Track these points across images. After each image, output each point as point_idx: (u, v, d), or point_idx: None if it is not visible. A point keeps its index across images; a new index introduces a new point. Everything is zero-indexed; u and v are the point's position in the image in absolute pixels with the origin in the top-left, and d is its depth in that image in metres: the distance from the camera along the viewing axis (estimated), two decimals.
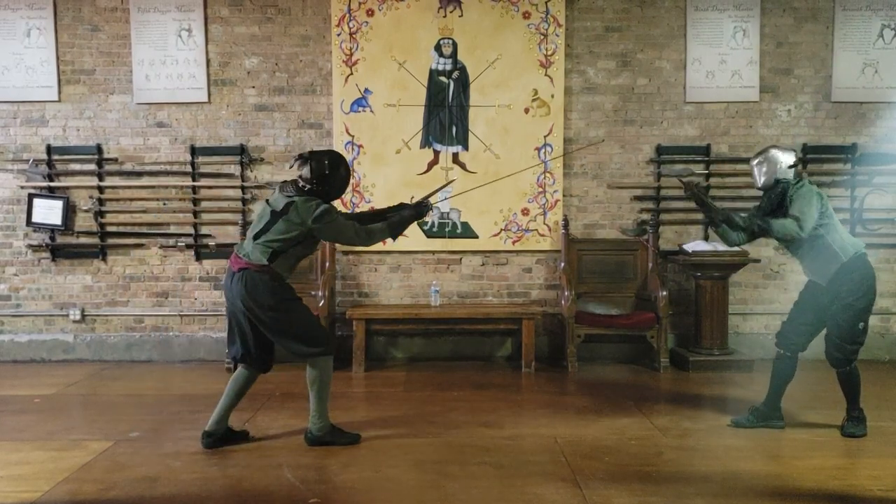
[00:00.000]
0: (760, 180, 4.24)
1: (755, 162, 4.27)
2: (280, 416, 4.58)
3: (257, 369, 4.04)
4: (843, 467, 3.69)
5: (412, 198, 6.07)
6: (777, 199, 4.15)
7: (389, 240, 4.23)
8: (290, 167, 3.96)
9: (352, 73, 6.19)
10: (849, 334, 4.05)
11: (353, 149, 6.21)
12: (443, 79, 6.22)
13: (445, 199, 5.87)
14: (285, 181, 3.94)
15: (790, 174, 4.16)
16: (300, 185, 3.86)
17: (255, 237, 3.86)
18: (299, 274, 6.13)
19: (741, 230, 4.23)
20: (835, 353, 4.09)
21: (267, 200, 3.97)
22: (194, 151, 6.25)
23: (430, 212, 4.31)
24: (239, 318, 3.90)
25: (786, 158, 4.17)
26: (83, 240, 6.30)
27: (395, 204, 4.37)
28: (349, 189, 6.20)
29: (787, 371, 4.25)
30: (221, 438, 4.01)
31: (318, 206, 3.81)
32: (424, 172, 6.24)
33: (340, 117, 6.21)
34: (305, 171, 3.85)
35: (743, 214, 4.24)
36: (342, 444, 4.01)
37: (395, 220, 4.12)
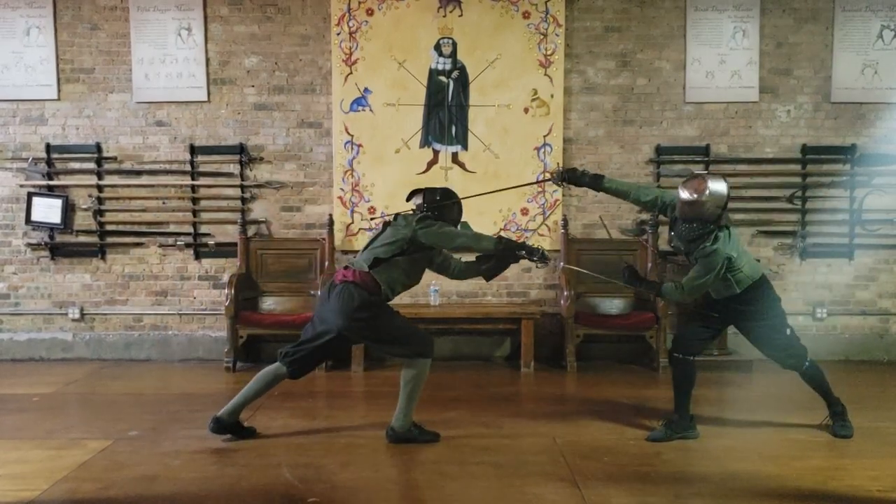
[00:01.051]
0: (682, 215, 3.98)
1: (685, 197, 3.90)
2: (279, 415, 4.58)
3: (294, 375, 4.05)
4: (841, 468, 3.70)
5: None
6: (693, 235, 3.96)
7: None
8: (407, 201, 4.18)
9: (351, 73, 6.18)
10: (786, 341, 4.11)
11: (352, 148, 6.21)
12: (442, 78, 6.22)
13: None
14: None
15: (716, 215, 3.92)
16: (414, 211, 4.08)
17: (365, 249, 4.04)
18: (298, 273, 6.17)
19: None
20: (789, 360, 4.14)
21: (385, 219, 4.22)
22: (194, 150, 6.25)
23: (545, 262, 3.94)
24: (322, 329, 3.95)
25: (716, 201, 3.87)
26: (82, 238, 6.30)
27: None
28: (348, 189, 6.21)
29: (691, 376, 4.19)
30: (228, 427, 4.05)
31: (425, 216, 3.96)
32: (424, 172, 6.23)
33: (340, 116, 6.20)
34: (419, 200, 4.09)
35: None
36: (422, 441, 4.06)
37: (507, 240, 4.00)
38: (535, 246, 3.99)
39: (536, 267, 4.16)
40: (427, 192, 4.12)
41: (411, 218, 3.99)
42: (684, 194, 3.92)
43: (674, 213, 4.12)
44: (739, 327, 4.19)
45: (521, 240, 4.74)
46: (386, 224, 4.12)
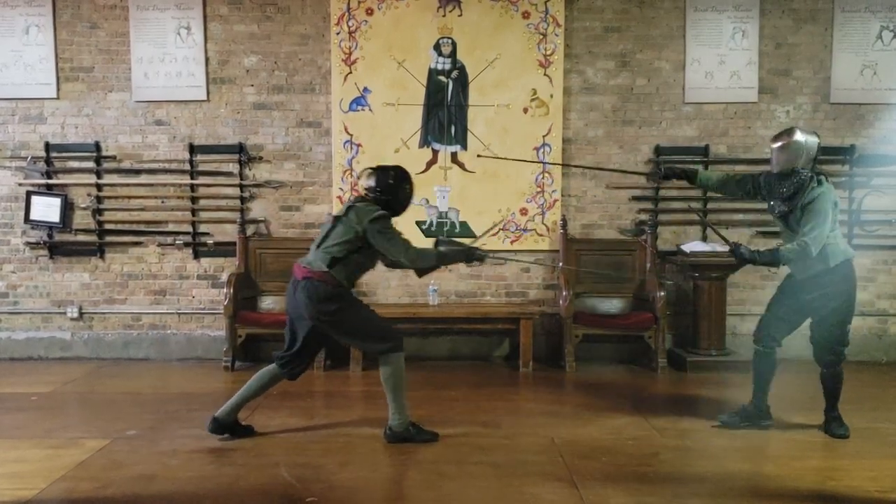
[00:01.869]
0: (778, 166, 4.08)
1: (777, 145, 4.07)
2: (277, 414, 4.57)
3: (289, 376, 4.08)
4: (840, 468, 3.70)
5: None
6: (792, 189, 4.01)
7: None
8: (358, 179, 4.13)
9: (351, 72, 6.18)
10: (840, 336, 4.09)
11: (351, 148, 6.21)
12: (442, 78, 6.22)
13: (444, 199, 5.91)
14: (355, 196, 4.12)
15: (810, 164, 4.04)
16: (366, 195, 4.02)
17: (318, 246, 3.98)
18: None
19: (727, 188, 4.37)
20: (828, 356, 4.12)
21: (331, 214, 4.04)
22: (193, 150, 6.24)
23: (483, 262, 4.23)
24: (297, 326, 3.98)
25: (809, 148, 4.01)
26: (81, 237, 6.29)
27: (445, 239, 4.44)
28: (347, 189, 6.21)
29: (769, 367, 4.24)
30: (226, 427, 4.06)
31: (377, 210, 3.91)
32: (423, 172, 6.23)
33: (339, 116, 6.20)
34: (371, 181, 4.00)
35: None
36: (420, 440, 4.04)
37: (446, 251, 4.09)
38: (475, 245, 4.16)
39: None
40: (380, 173, 4.02)
41: (363, 214, 3.88)
42: (776, 143, 4.08)
43: (768, 180, 4.18)
44: (815, 303, 4.05)
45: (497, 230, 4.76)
46: (336, 218, 4.00)
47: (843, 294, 4.04)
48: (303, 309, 3.89)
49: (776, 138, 4.13)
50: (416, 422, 4.14)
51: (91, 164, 6.24)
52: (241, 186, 6.26)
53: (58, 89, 6.22)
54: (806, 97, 6.28)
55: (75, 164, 6.27)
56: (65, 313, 6.32)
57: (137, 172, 6.28)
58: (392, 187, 3.99)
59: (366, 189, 4.03)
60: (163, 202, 6.30)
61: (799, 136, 4.02)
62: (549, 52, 6.19)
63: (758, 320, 4.37)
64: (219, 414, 4.05)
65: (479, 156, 5.70)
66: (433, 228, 6.25)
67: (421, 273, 4.20)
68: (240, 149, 6.22)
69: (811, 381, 4.41)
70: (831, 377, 4.16)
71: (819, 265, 4.00)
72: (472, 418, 4.53)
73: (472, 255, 4.10)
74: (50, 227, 6.21)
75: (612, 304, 6.16)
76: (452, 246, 4.15)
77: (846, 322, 4.09)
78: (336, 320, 3.91)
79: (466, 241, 4.44)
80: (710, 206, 6.28)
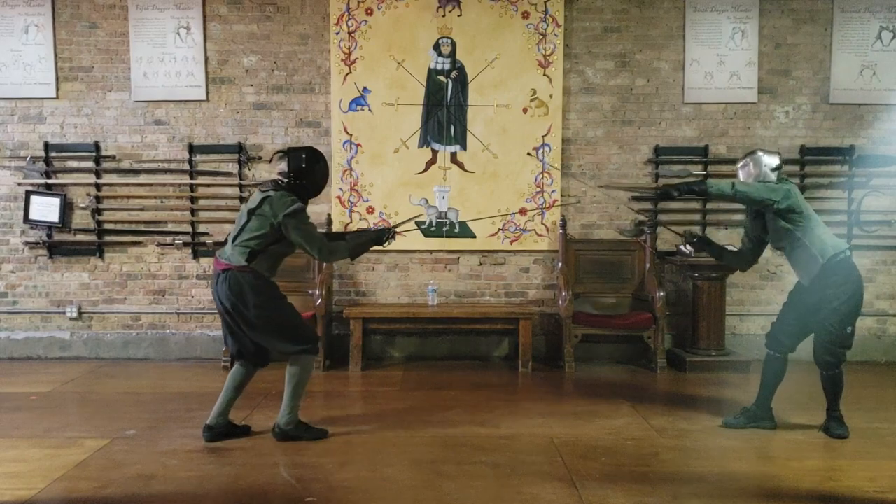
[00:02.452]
0: (746, 179, 4.31)
1: (740, 164, 4.37)
2: (276, 414, 4.55)
3: (254, 365, 4.08)
4: (838, 469, 3.70)
5: (409, 196, 6.19)
6: None
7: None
8: (270, 162, 3.99)
9: (350, 72, 6.18)
10: (838, 338, 4.07)
11: (351, 148, 6.21)
12: (441, 78, 6.22)
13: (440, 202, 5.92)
14: (265, 181, 3.98)
15: (772, 176, 4.22)
16: (279, 181, 3.96)
17: (234, 240, 3.91)
18: (296, 272, 6.17)
19: (742, 256, 4.55)
20: (826, 356, 4.10)
21: (246, 202, 4.01)
22: (192, 149, 6.24)
23: (392, 241, 4.29)
24: (227, 317, 3.95)
25: (769, 161, 4.25)
26: (80, 237, 6.29)
27: (359, 229, 4.48)
28: (347, 188, 6.21)
29: (776, 372, 4.27)
30: (222, 432, 4.06)
31: (293, 202, 3.86)
32: (422, 172, 6.23)
33: (339, 116, 6.20)
34: (283, 166, 3.94)
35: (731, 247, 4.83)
36: (309, 438, 4.05)
37: (355, 242, 4.17)
38: (383, 228, 4.28)
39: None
40: (291, 157, 3.94)
41: (278, 207, 3.82)
42: (739, 163, 4.39)
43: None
44: (819, 304, 4.05)
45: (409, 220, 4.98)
46: (250, 212, 3.91)
47: (844, 294, 4.03)
48: (225, 300, 3.85)
49: (739, 160, 4.42)
50: (308, 421, 4.17)
51: (90, 164, 6.24)
52: (241, 186, 6.26)
53: (57, 89, 6.22)
54: (805, 97, 6.29)
55: (74, 164, 6.27)
56: (64, 313, 6.32)
57: (137, 172, 6.28)
58: (304, 171, 3.93)
59: (278, 173, 3.98)
60: (162, 202, 6.30)
61: (759, 153, 4.31)
62: (548, 53, 6.19)
63: (770, 326, 4.41)
64: (210, 421, 4.05)
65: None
66: (432, 229, 6.25)
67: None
68: (239, 148, 6.22)
69: (811, 381, 4.41)
70: (829, 380, 4.15)
71: (814, 266, 4.05)
72: (470, 418, 4.53)
73: (382, 238, 4.20)
74: (49, 226, 6.21)
75: (612, 305, 6.16)
76: (362, 237, 4.24)
77: (847, 323, 4.06)
78: (255, 315, 3.83)
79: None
80: (708, 206, 6.28)
